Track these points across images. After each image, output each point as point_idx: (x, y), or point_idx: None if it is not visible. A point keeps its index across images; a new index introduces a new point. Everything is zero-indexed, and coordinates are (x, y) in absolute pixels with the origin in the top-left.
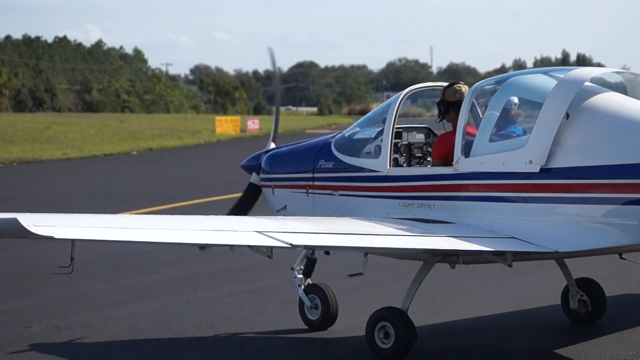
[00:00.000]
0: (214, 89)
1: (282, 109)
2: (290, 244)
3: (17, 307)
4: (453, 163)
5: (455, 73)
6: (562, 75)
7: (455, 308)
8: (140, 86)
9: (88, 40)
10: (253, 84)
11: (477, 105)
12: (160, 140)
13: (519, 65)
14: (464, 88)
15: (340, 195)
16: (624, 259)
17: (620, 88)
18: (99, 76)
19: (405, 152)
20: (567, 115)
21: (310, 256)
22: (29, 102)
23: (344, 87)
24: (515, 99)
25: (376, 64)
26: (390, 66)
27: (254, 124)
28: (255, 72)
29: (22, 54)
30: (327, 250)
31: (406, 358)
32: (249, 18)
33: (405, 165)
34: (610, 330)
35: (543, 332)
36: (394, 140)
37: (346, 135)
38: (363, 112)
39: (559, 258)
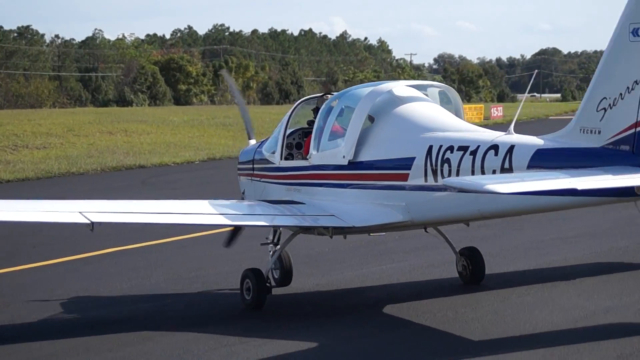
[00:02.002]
0: (458, 78)
1: (527, 95)
2: (91, 221)
3: None
4: (307, 157)
5: None
6: (372, 88)
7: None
8: (385, 76)
9: (333, 32)
10: (496, 72)
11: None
12: None
13: None
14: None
15: (261, 181)
16: (427, 232)
17: (433, 98)
18: (344, 67)
19: (292, 149)
20: (372, 119)
21: (276, 229)
22: (276, 95)
23: (587, 73)
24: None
25: None
26: None
27: (497, 111)
28: (498, 60)
29: (269, 47)
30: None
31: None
32: (491, 6)
33: (290, 159)
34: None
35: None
36: (286, 140)
37: (271, 135)
38: None
39: (359, 232)
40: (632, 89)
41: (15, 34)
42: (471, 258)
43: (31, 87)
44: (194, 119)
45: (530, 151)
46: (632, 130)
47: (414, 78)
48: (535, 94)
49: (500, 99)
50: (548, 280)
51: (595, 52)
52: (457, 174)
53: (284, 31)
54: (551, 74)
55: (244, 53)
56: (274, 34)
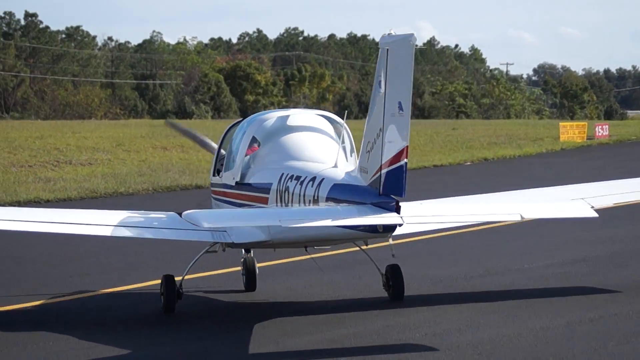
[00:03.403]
0: (560, 91)
1: (633, 113)
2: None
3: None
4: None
5: None
6: (264, 115)
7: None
8: (478, 89)
9: (419, 39)
10: (604, 85)
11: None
12: (497, 149)
13: None
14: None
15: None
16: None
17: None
18: (431, 78)
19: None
20: (259, 144)
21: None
22: (355, 108)
23: None
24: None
25: None
26: None
27: (602, 130)
28: (606, 72)
29: (348, 54)
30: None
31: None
32: (599, 11)
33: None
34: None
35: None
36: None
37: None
38: None
39: (241, 247)
40: (379, 136)
41: (64, 36)
42: (392, 276)
43: (80, 96)
44: None
45: (329, 185)
46: (379, 173)
47: (509, 91)
48: None
49: (608, 115)
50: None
51: None
52: (293, 201)
53: (364, 37)
54: None
55: (320, 60)
56: (353, 40)
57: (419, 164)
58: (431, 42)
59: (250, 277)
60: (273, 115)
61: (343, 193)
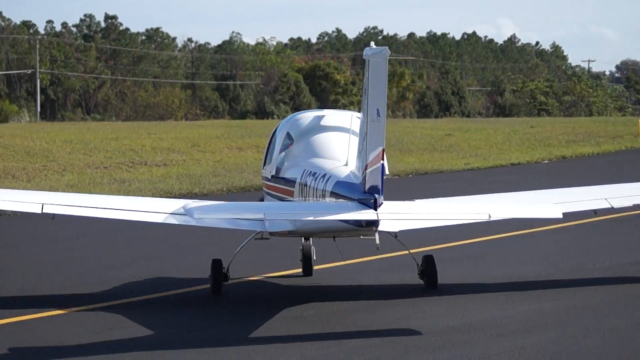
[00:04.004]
0: None
1: None
2: (41, 210)
3: None
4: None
5: None
6: (299, 114)
7: None
8: (559, 86)
9: (500, 36)
10: None
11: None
12: (576, 147)
13: None
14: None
15: None
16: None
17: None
18: (512, 76)
19: None
20: (293, 141)
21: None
22: (435, 107)
23: None
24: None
25: None
26: None
27: None
28: None
29: (428, 53)
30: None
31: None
32: None
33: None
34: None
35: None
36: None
37: None
38: None
39: (274, 236)
40: (364, 139)
41: (144, 37)
42: (426, 265)
43: (160, 97)
44: None
45: (333, 181)
46: (365, 173)
47: (591, 88)
48: None
49: None
50: None
51: None
52: (309, 195)
53: (444, 35)
54: None
55: (399, 59)
56: (432, 38)
57: (495, 162)
58: (512, 40)
59: (307, 262)
60: (310, 115)
61: (342, 189)
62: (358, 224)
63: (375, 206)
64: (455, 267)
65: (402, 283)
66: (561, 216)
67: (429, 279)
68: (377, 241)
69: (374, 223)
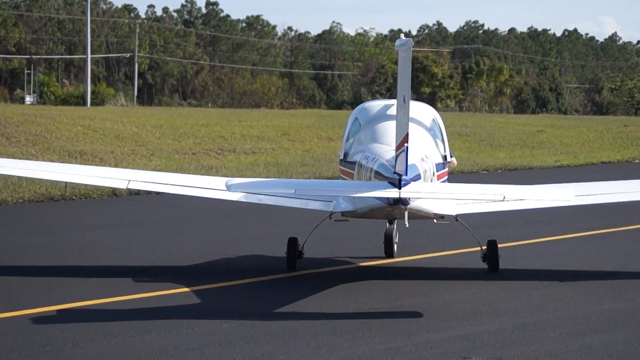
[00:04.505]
0: None
1: None
2: (127, 187)
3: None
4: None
5: None
6: (372, 102)
7: None
8: None
9: (601, 34)
10: None
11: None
12: None
13: None
14: None
15: None
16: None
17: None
18: (611, 74)
19: None
20: (360, 126)
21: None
22: (532, 102)
23: None
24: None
25: None
26: None
27: None
28: None
29: (528, 49)
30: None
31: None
32: None
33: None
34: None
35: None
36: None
37: None
38: None
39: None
40: (395, 125)
41: (244, 25)
42: (489, 249)
43: (257, 84)
44: None
45: (378, 163)
46: (395, 155)
47: None
48: None
49: None
50: None
51: None
52: (362, 176)
53: (545, 31)
54: None
55: (499, 54)
56: (533, 34)
57: (586, 160)
58: (613, 38)
59: (388, 244)
60: (380, 103)
61: (383, 170)
62: (385, 201)
63: (399, 185)
64: (530, 264)
65: (477, 280)
66: (572, 200)
67: (491, 263)
68: (407, 221)
69: (400, 201)
